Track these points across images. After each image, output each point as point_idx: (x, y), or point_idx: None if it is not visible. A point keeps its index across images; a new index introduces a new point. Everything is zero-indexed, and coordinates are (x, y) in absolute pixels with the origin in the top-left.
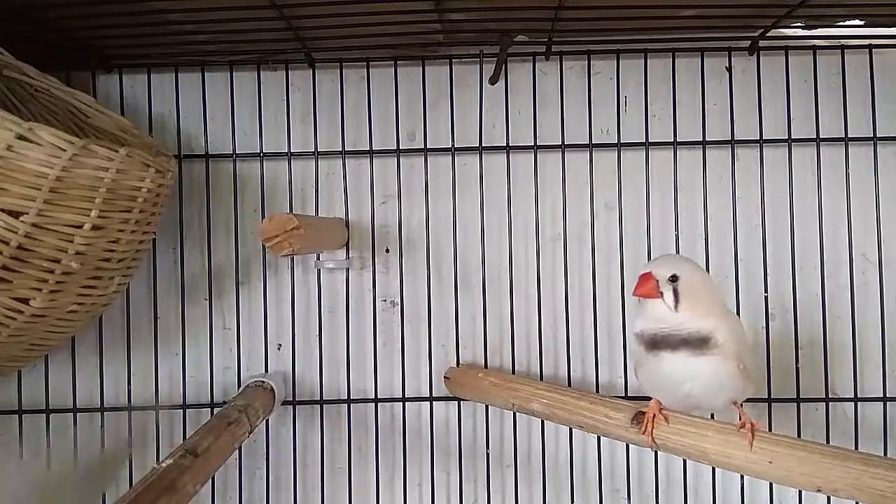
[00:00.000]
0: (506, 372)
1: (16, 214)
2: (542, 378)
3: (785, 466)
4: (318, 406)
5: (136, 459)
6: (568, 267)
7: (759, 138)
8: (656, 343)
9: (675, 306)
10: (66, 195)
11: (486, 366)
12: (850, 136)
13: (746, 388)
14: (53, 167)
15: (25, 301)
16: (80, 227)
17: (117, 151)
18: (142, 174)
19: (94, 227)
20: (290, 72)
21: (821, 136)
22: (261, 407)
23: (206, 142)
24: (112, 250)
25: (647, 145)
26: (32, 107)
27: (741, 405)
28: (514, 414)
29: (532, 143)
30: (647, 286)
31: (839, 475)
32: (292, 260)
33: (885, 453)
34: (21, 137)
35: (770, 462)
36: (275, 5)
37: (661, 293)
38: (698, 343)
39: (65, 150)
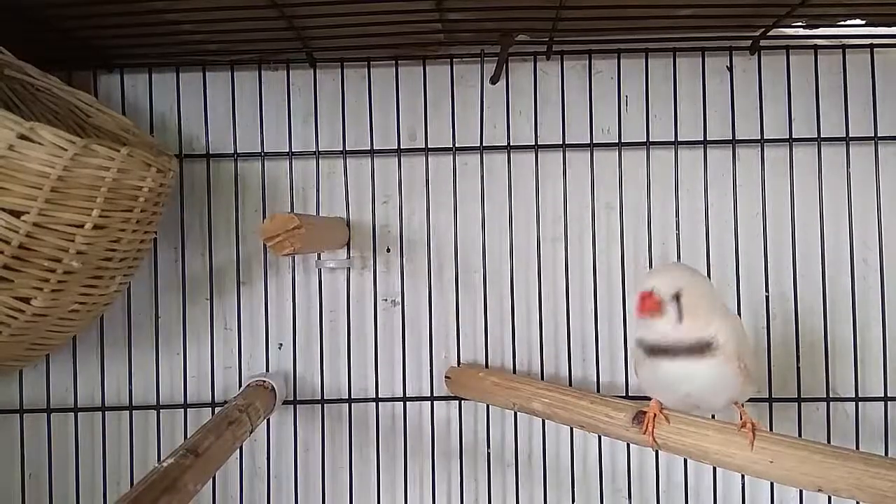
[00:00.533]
0: (507, 371)
1: (17, 214)
2: (542, 377)
3: (786, 466)
4: (319, 405)
5: (137, 458)
6: (569, 266)
7: (760, 138)
8: (657, 351)
9: (679, 321)
10: (68, 195)
11: (486, 365)
12: (851, 135)
13: (747, 388)
14: (55, 167)
15: (27, 300)
16: (81, 226)
17: (119, 151)
18: (143, 174)
19: (96, 227)
20: (291, 71)
21: (822, 136)
22: (262, 406)
23: (208, 141)
24: (113, 250)
25: (648, 145)
26: (34, 106)
27: (742, 405)
28: (515, 413)
29: (533, 143)
30: (649, 306)
31: (840, 475)
32: (293, 259)
33: (887, 453)
34: (22, 137)
35: (771, 462)
36: (276, 5)
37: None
38: (700, 349)
39: (66, 150)
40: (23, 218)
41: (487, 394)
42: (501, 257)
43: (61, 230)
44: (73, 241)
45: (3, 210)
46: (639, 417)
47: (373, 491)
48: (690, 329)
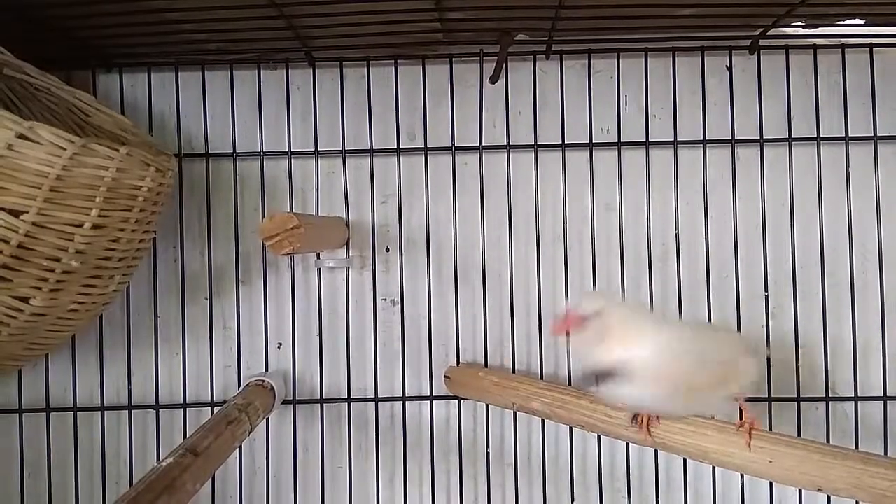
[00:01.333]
0: (506, 371)
1: (16, 213)
2: (542, 377)
3: (785, 466)
4: (319, 405)
5: (136, 458)
6: (568, 266)
7: (759, 137)
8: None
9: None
10: (67, 194)
11: (486, 365)
12: (850, 135)
13: (738, 384)
14: (54, 166)
15: (26, 300)
16: (80, 225)
17: (118, 150)
18: (142, 173)
19: (95, 226)
20: (290, 71)
21: (821, 135)
22: (261, 406)
23: (207, 141)
24: (112, 249)
25: (647, 144)
26: (33, 106)
27: (745, 400)
28: (515, 413)
29: (532, 143)
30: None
31: (839, 474)
32: (292, 259)
33: (886, 452)
34: (21, 136)
35: (770, 461)
36: (275, 4)
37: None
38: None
39: (65, 149)
40: (22, 217)
41: (487, 393)
42: (501, 257)
43: (60, 229)
44: (72, 240)
45: (3, 209)
46: (637, 416)
47: (372, 490)
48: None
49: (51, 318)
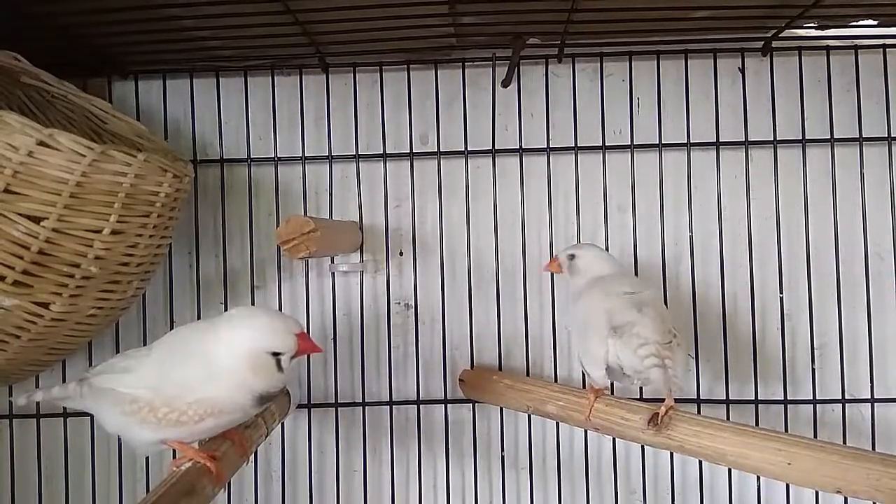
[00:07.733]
0: (520, 374)
1: (36, 220)
2: (556, 380)
3: (803, 468)
4: (333, 409)
5: (152, 462)
6: None
7: (773, 139)
8: None
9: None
10: (86, 200)
11: (500, 368)
12: (864, 136)
13: None
14: (73, 172)
15: (45, 305)
16: (99, 231)
17: (135, 157)
18: (159, 179)
19: (113, 232)
20: (303, 76)
21: (835, 137)
22: (277, 410)
23: (221, 146)
24: (130, 255)
25: (660, 147)
26: (50, 113)
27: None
28: (529, 416)
29: (545, 146)
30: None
31: (858, 476)
32: (306, 263)
33: None
34: (41, 143)
35: (789, 463)
36: (289, 11)
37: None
38: None
39: (84, 156)
40: (42, 224)
41: (501, 396)
42: (514, 259)
43: (80, 235)
44: (91, 246)
45: (23, 216)
46: (654, 419)
47: (387, 494)
48: None
49: (69, 323)
